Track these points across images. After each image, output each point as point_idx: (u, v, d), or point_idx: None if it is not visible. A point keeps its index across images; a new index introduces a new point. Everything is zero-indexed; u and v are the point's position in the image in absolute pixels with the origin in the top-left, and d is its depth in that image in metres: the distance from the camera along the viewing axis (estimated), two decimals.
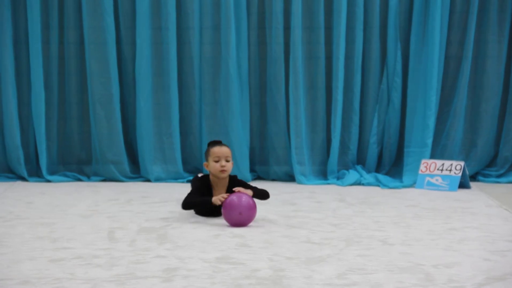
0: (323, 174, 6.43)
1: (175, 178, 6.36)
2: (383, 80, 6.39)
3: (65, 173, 6.41)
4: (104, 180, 6.38)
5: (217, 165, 4.63)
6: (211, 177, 4.72)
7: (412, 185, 6.13)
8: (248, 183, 4.87)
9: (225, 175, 4.67)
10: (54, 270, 3.34)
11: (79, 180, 6.37)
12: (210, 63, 6.33)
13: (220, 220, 4.53)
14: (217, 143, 4.73)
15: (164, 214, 4.77)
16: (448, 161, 6.04)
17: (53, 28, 6.30)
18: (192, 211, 4.76)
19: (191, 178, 6.30)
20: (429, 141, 6.23)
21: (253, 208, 4.43)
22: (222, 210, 4.46)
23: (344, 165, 6.46)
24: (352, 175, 6.25)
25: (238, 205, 4.38)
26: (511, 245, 3.97)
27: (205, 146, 5.25)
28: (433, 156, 6.33)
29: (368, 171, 6.39)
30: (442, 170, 6.00)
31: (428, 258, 3.62)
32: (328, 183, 6.25)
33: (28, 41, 6.24)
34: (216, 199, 4.49)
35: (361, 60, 6.35)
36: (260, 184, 6.17)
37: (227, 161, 4.65)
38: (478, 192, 5.86)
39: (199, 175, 5.15)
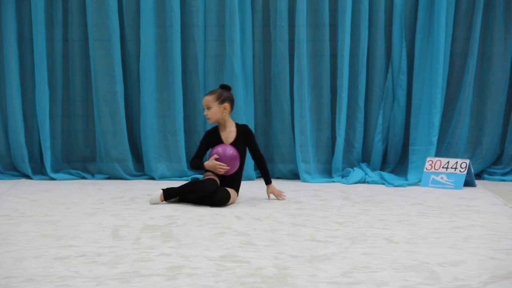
0: (327, 172, 6.42)
1: (179, 176, 6.35)
2: (388, 78, 6.37)
3: (69, 171, 6.41)
4: (108, 178, 6.38)
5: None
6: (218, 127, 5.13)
7: (417, 183, 6.11)
8: (253, 137, 5.13)
9: (210, 122, 5.00)
10: (58, 268, 3.33)
11: (83, 178, 6.37)
12: (214, 61, 6.32)
13: (225, 218, 4.53)
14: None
15: (168, 212, 4.76)
16: (453, 159, 6.02)
17: (57, 26, 6.30)
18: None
19: (195, 176, 6.30)
20: (434, 139, 6.21)
21: (235, 158, 4.90)
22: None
23: (349, 163, 6.45)
24: (357, 173, 6.23)
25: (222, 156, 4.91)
26: None
27: None
28: (438, 154, 6.31)
29: (373, 169, 6.38)
30: (447, 168, 5.98)
31: (433, 256, 3.61)
32: (333, 181, 6.24)
33: (32, 38, 6.24)
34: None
35: (366, 57, 6.33)
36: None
37: (208, 108, 4.93)
38: (484, 190, 5.84)
39: None
